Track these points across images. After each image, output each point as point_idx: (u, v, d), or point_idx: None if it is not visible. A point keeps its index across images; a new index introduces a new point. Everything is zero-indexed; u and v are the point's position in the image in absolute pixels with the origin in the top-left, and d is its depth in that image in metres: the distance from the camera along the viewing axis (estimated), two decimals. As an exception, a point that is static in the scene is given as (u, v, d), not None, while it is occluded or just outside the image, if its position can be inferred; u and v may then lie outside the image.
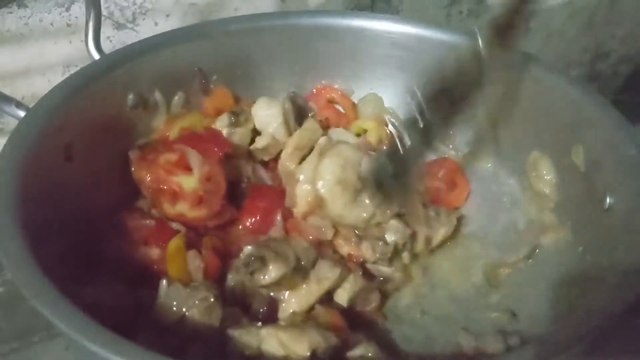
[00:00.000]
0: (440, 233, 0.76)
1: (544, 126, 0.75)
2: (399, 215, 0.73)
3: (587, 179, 0.69)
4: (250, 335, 0.57)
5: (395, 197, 0.71)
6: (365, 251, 0.71)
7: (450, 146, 0.86)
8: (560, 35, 1.36)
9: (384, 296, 0.71)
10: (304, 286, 0.63)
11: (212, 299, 0.57)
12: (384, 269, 0.72)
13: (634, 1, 1.43)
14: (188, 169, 0.69)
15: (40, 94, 1.01)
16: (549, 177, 0.75)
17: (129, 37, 1.05)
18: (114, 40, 1.04)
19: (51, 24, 0.99)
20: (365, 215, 0.71)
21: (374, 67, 0.88)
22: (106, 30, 1.05)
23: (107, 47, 1.04)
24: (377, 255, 0.71)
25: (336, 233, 0.72)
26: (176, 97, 0.80)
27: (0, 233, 0.54)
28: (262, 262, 0.61)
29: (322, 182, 0.71)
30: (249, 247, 0.63)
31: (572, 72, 1.42)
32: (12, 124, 0.66)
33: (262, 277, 0.61)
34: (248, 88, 0.86)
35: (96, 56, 0.74)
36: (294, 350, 0.55)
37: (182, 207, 0.69)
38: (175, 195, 0.69)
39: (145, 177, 0.70)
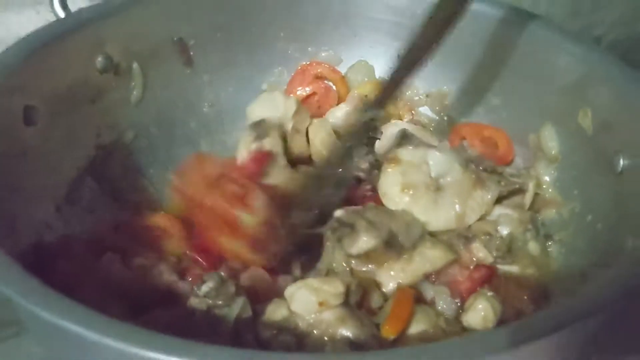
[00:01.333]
0: (531, 190, 0.67)
1: (547, 91, 0.70)
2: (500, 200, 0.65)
3: (595, 142, 0.64)
4: (275, 305, 0.52)
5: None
6: (478, 253, 0.62)
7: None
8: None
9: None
10: (397, 266, 0.57)
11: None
12: (511, 268, 0.62)
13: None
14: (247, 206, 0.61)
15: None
16: (552, 144, 0.70)
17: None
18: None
19: (17, -8, 0.93)
20: (453, 213, 0.62)
21: (365, 33, 0.82)
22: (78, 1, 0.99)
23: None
24: (494, 253, 0.62)
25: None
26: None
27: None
28: (352, 229, 0.56)
29: (388, 197, 0.64)
30: (340, 211, 0.57)
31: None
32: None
33: (350, 246, 0.55)
34: (229, 55, 0.80)
35: (62, 15, 0.67)
36: (327, 291, 0.50)
37: (240, 246, 0.61)
38: (235, 230, 0.61)
39: (198, 195, 0.62)
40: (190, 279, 0.55)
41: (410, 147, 0.66)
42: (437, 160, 0.64)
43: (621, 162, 0.59)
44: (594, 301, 0.42)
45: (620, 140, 0.60)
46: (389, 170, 0.64)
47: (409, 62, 0.66)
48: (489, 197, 0.62)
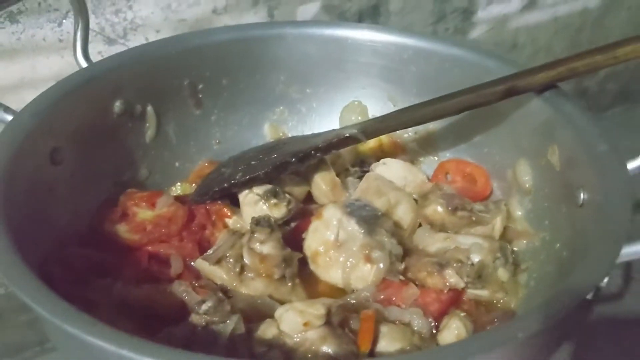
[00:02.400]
0: (499, 222, 0.74)
1: (521, 129, 0.77)
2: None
3: (562, 177, 0.70)
4: (267, 325, 0.59)
5: None
6: (450, 278, 0.68)
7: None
8: (547, 51, 1.39)
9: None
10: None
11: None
12: (481, 293, 0.68)
13: (619, 19, 1.46)
14: None
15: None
16: (527, 178, 0.76)
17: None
18: (105, 54, 1.06)
19: (43, 39, 1.01)
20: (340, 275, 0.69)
21: (357, 76, 0.90)
22: (97, 46, 1.08)
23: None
24: (465, 279, 0.67)
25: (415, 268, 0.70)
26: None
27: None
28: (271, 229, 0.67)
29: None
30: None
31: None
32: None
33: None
34: (234, 97, 0.88)
35: (84, 64, 0.76)
36: (311, 313, 0.58)
37: None
38: None
39: None
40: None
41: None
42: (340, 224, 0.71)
43: (582, 196, 0.65)
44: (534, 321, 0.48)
45: (582, 176, 0.66)
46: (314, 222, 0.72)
47: (408, 119, 0.73)
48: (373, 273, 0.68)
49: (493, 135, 0.82)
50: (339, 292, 0.70)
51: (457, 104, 0.73)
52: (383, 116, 0.78)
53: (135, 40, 1.02)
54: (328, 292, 0.71)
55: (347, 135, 0.75)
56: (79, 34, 0.76)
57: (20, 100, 1.02)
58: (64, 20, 0.98)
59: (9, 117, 0.67)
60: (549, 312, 0.47)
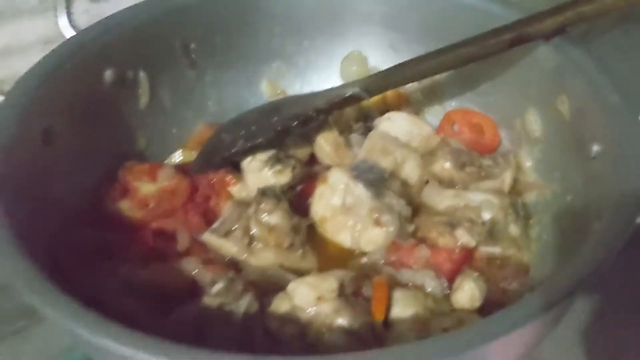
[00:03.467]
0: (508, 177, 0.73)
1: (529, 77, 0.74)
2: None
3: (572, 127, 0.68)
4: (280, 299, 0.59)
5: None
6: (462, 238, 0.67)
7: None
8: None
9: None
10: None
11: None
12: (493, 250, 0.67)
13: None
14: None
15: (21, 74, 1.01)
16: (536, 127, 0.74)
17: (105, 10, 1.03)
18: (91, 12, 1.02)
19: (25, 2, 0.97)
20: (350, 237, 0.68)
21: (357, 25, 0.86)
22: (82, 4, 1.03)
23: (84, 21, 1.02)
24: (476, 238, 0.67)
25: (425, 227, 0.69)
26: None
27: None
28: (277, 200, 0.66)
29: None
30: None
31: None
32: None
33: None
34: (228, 55, 0.85)
35: (70, 32, 0.72)
36: (324, 287, 0.57)
37: None
38: None
39: None
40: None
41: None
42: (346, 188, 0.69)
43: (593, 148, 0.63)
44: (557, 291, 0.47)
45: (593, 127, 0.64)
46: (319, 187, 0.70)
47: (412, 74, 0.71)
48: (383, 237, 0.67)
49: (500, 83, 0.79)
50: (349, 253, 0.70)
51: (462, 55, 0.69)
52: (385, 71, 0.75)
53: (121, -4, 0.98)
54: (338, 254, 0.70)
55: (349, 94, 0.72)
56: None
57: (9, 67, 0.99)
58: (43, -19, 0.93)
59: (-1, 98, 0.64)
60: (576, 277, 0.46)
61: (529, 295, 0.45)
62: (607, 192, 0.58)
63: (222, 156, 0.72)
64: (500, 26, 0.69)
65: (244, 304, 0.55)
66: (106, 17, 0.76)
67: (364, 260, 0.68)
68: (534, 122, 0.74)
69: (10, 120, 0.62)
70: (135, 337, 0.45)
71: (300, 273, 0.66)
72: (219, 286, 0.55)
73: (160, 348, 0.43)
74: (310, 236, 0.70)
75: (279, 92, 0.89)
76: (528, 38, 0.68)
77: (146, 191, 0.70)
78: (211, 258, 0.66)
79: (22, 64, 1.00)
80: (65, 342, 0.78)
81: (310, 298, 0.56)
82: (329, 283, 0.57)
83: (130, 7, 0.77)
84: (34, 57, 1.01)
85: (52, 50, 0.70)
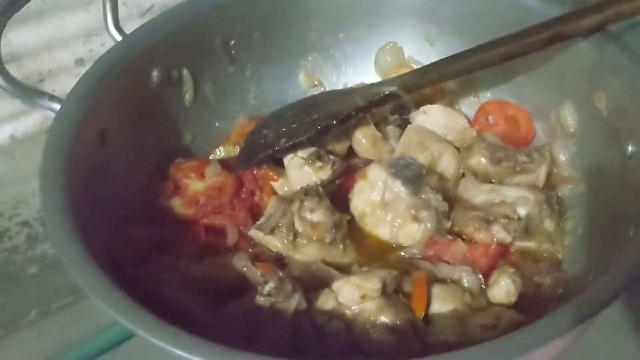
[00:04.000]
0: (543, 172, 0.74)
1: (566, 71, 0.75)
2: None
3: (609, 125, 0.69)
4: (325, 296, 0.62)
5: None
6: (498, 234, 0.69)
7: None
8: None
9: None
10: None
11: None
12: (528, 245, 0.69)
13: None
14: None
15: (64, 66, 1.05)
16: (571, 122, 0.75)
17: (144, 1, 1.05)
18: (129, 4, 1.04)
19: (68, -4, 1.00)
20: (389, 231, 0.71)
21: (392, 17, 0.87)
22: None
23: (123, 12, 1.05)
24: (512, 234, 0.69)
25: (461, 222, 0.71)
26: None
27: (52, 222, 0.58)
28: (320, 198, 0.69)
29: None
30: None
31: None
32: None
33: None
34: (267, 49, 0.87)
35: (117, 38, 0.75)
36: (368, 286, 0.60)
37: None
38: None
39: None
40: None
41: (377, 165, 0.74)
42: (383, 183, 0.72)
43: (630, 147, 0.64)
44: (605, 296, 0.49)
45: (631, 126, 0.65)
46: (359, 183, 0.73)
47: (450, 72, 0.73)
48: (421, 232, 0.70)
49: (536, 75, 0.80)
50: (387, 246, 0.73)
51: (500, 53, 0.71)
52: (422, 68, 0.77)
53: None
54: (376, 248, 0.73)
55: (387, 92, 0.74)
56: (108, 5, 0.74)
57: (53, 59, 1.03)
58: (85, -24, 0.96)
59: (55, 105, 0.68)
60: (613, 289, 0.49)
61: (568, 305, 0.48)
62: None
63: (265, 153, 0.75)
64: (538, 24, 0.70)
65: (294, 302, 0.59)
66: (149, 20, 0.78)
67: (402, 253, 0.71)
68: (570, 116, 0.75)
69: (68, 125, 0.66)
70: (191, 341, 0.48)
71: (341, 267, 0.70)
72: (269, 286, 0.59)
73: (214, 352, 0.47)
74: (349, 229, 0.73)
75: (316, 82, 0.92)
76: (567, 36, 0.69)
77: (195, 188, 0.73)
78: (258, 252, 0.70)
79: (65, 56, 1.05)
80: (110, 317, 0.84)
81: (355, 297, 0.60)
82: (372, 283, 0.60)
83: (172, 9, 0.80)
84: (77, 50, 1.06)
85: (102, 55, 0.73)
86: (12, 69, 0.72)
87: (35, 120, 1.06)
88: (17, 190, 1.02)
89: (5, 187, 1.01)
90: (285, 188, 0.76)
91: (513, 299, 0.64)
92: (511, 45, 0.70)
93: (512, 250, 0.70)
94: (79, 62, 1.06)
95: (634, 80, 0.66)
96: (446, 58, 0.75)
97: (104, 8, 0.74)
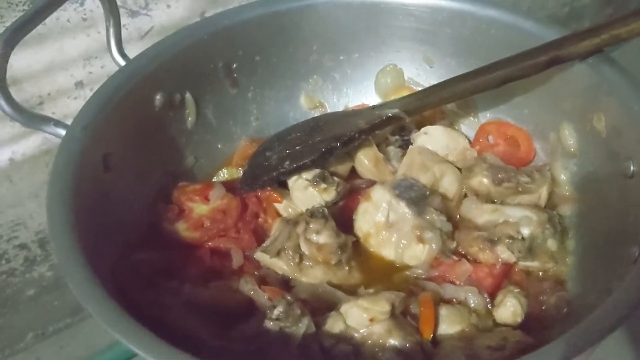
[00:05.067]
0: (544, 192, 0.75)
1: (564, 92, 0.76)
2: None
3: (609, 144, 0.70)
4: (333, 319, 0.63)
5: None
6: (502, 254, 0.70)
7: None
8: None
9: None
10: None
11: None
12: (532, 264, 0.70)
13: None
14: None
15: (64, 89, 1.05)
16: (571, 142, 0.76)
17: (143, 23, 1.06)
18: (129, 27, 1.05)
19: (68, 20, 1.00)
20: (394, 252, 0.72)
21: (392, 40, 0.88)
22: (121, 19, 1.06)
23: (122, 35, 1.05)
24: (516, 254, 0.69)
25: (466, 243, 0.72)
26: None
27: (58, 246, 0.59)
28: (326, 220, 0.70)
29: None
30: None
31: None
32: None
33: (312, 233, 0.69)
34: (268, 72, 0.88)
35: (121, 62, 0.76)
36: (376, 309, 0.61)
37: None
38: None
39: None
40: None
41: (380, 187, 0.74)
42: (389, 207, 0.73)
43: (631, 167, 0.65)
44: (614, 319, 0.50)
45: (631, 146, 0.66)
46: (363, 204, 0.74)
47: (449, 95, 0.73)
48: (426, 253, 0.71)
49: (534, 97, 0.81)
50: (392, 266, 0.74)
51: (499, 77, 0.72)
52: (423, 91, 0.78)
53: (157, 9, 1.01)
54: (382, 268, 0.74)
55: (389, 115, 0.75)
56: (111, 30, 0.75)
57: (53, 82, 1.03)
58: (86, 0, 0.96)
59: (61, 131, 0.68)
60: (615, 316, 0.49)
61: (574, 331, 0.48)
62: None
63: (269, 176, 0.76)
64: (536, 47, 0.71)
65: (302, 326, 0.59)
66: (152, 45, 0.79)
67: (407, 273, 0.72)
68: (569, 137, 0.77)
69: (74, 150, 0.66)
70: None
71: (347, 288, 0.70)
72: (278, 310, 0.59)
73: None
74: (354, 250, 0.74)
75: (317, 104, 0.92)
76: (564, 59, 0.70)
77: (200, 211, 0.74)
78: (263, 275, 0.70)
79: (65, 79, 1.05)
80: (108, 338, 0.83)
81: (363, 320, 0.60)
82: (381, 305, 0.60)
83: (174, 34, 0.81)
84: (77, 73, 1.06)
85: (107, 80, 0.74)
86: (12, 92, 0.72)
87: (34, 143, 1.06)
88: (15, 213, 1.02)
89: (3, 210, 1.01)
90: (289, 210, 0.77)
91: (519, 319, 0.65)
92: (509, 68, 0.71)
93: (515, 269, 0.71)
94: (79, 84, 1.06)
95: (631, 101, 0.67)
96: (445, 81, 0.76)
97: (107, 33, 0.75)
